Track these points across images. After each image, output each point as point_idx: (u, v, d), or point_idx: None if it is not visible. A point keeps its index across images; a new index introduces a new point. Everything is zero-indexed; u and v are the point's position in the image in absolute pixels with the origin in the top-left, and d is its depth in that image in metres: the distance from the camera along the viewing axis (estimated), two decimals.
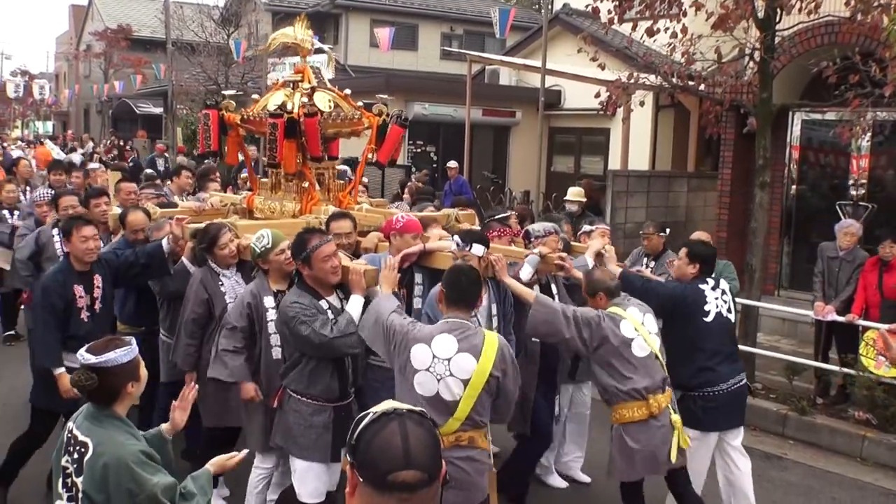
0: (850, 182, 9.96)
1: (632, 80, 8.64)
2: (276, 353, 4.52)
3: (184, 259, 5.27)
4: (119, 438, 2.90)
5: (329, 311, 4.21)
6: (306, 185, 5.78)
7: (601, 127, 15.12)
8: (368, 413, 1.73)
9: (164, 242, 5.20)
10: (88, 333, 4.54)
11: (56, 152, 21.71)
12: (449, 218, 5.94)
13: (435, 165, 17.35)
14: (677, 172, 13.39)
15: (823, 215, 9.90)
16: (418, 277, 4.95)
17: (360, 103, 6.05)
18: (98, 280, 5.05)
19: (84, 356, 2.94)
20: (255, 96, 6.14)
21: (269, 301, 4.56)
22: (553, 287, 5.31)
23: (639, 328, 4.47)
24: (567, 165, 16.88)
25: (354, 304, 4.22)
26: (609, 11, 8.49)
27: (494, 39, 20.30)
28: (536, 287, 4.95)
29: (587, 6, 9.01)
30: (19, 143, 25.82)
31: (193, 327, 4.98)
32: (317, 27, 26.37)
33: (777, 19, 7.97)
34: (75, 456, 2.90)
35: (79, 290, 4.93)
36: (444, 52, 25.42)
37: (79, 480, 2.87)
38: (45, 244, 6.64)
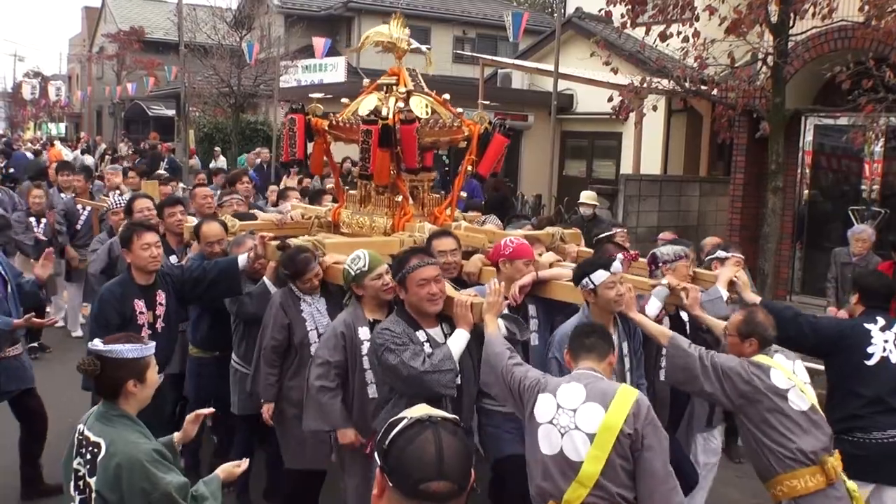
0: (863, 187, 9.93)
1: (644, 85, 8.65)
2: (372, 391, 4.00)
3: (266, 280, 4.80)
4: (131, 437, 2.91)
5: (427, 344, 3.71)
6: (399, 198, 5.26)
7: (613, 131, 15.11)
8: (403, 418, 1.72)
9: (242, 259, 4.76)
10: None
11: (66, 154, 21.87)
12: (553, 238, 5.36)
13: (447, 169, 17.38)
14: (689, 177, 13.37)
15: (836, 220, 9.88)
16: (531, 310, 4.32)
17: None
18: (161, 296, 4.59)
19: (95, 342, 2.98)
20: (344, 100, 5.62)
21: (363, 332, 4.02)
22: (684, 316, 4.52)
23: (791, 377, 3.68)
24: (579, 169, 16.87)
25: (457, 340, 3.70)
26: (622, 15, 8.51)
27: (507, 43, 20.35)
28: (666, 320, 4.34)
29: (600, 10, 9.03)
30: (28, 144, 25.95)
31: (273, 356, 4.51)
32: (329, 30, 26.59)
33: (791, 24, 7.97)
34: (88, 457, 2.89)
35: (139, 305, 4.48)
36: (456, 55, 25.46)
37: (92, 481, 2.87)
38: (120, 256, 5.79)
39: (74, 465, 2.95)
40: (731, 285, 4.50)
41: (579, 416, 3.09)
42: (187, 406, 5.28)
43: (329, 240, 4.94)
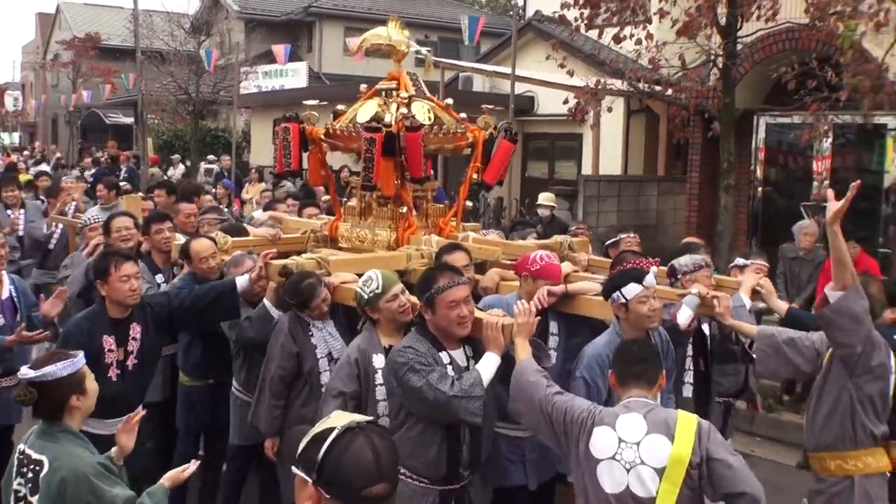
0: (814, 183, 10.21)
1: (600, 86, 8.82)
2: (386, 422, 3.67)
3: (266, 302, 4.40)
4: (76, 452, 2.89)
5: (449, 367, 3.46)
6: (404, 209, 4.96)
7: (574, 132, 15.27)
8: (331, 429, 1.73)
9: (241, 281, 4.38)
10: (117, 396, 3.89)
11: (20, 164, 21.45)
12: (562, 246, 5.14)
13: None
14: (647, 177, 13.60)
15: (789, 216, 10.13)
16: (553, 326, 4.11)
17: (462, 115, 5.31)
18: (135, 329, 4.14)
19: (24, 371, 2.95)
20: (340, 106, 5.32)
21: (378, 360, 3.71)
22: (705, 328, 4.40)
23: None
24: (541, 171, 17.02)
25: (488, 364, 3.43)
26: (576, 19, 8.68)
27: (468, 46, 20.51)
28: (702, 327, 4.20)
29: (554, 13, 9.19)
30: None
31: (280, 386, 4.17)
32: (290, 35, 26.50)
33: (738, 26, 8.19)
34: (29, 475, 2.85)
35: (108, 341, 4.05)
36: (417, 59, 25.52)
37: (34, 500, 2.82)
38: None
39: (15, 485, 2.90)
40: (755, 293, 4.43)
41: (644, 450, 2.88)
42: (179, 438, 5.02)
43: (333, 257, 4.58)
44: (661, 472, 2.85)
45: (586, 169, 13.91)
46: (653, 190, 12.88)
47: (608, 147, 13.30)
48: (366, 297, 3.77)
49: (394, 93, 5.02)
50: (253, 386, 4.42)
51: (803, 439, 3.98)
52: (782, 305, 4.48)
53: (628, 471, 2.88)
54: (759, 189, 10.83)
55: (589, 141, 13.71)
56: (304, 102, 5.43)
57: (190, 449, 4.96)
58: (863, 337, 3.52)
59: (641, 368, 3.08)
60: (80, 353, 3.05)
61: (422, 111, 4.92)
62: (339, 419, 1.76)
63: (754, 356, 3.98)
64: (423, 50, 5.77)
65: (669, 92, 8.79)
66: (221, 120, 24.08)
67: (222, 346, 4.74)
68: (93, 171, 17.88)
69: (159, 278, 5.30)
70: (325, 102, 5.92)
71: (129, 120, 28.81)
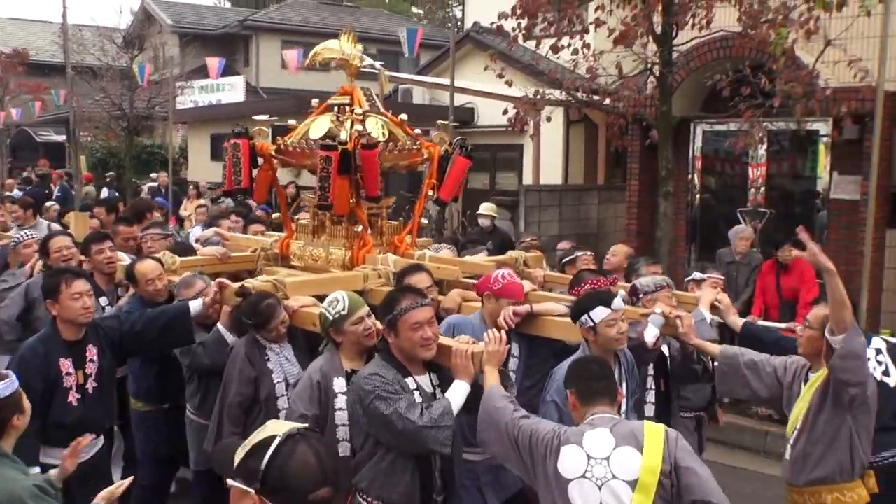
0: (750, 190, 10.38)
1: (538, 97, 8.82)
2: (343, 449, 3.59)
3: (220, 326, 4.29)
4: (10, 474, 2.83)
5: (416, 393, 3.34)
6: (359, 228, 4.90)
7: (515, 143, 15.34)
8: (272, 437, 1.76)
9: (195, 305, 4.23)
10: (79, 421, 3.79)
11: None
12: (517, 262, 5.09)
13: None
14: (588, 185, 13.70)
15: (727, 222, 10.28)
16: (514, 349, 4.05)
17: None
18: (92, 352, 3.98)
19: None
20: (291, 122, 5.21)
21: (339, 384, 3.60)
22: (664, 349, 4.41)
23: None
24: (482, 182, 17.03)
25: (457, 393, 3.32)
26: (513, 29, 8.67)
27: (408, 58, 20.49)
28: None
29: (491, 23, 9.18)
30: None
31: (238, 412, 4.08)
32: (227, 49, 26.14)
33: (674, 35, 8.28)
34: None
35: (66, 364, 3.86)
36: (362, 71, 25.38)
37: None
38: (38, 300, 4.93)
39: None
40: (713, 308, 4.47)
41: (614, 464, 2.83)
42: (139, 466, 4.85)
43: (290, 279, 4.45)
44: (633, 484, 2.80)
45: (527, 179, 13.96)
46: (593, 198, 12.97)
47: (549, 157, 13.36)
48: (331, 318, 3.65)
49: (347, 108, 4.93)
50: (208, 411, 4.31)
51: (785, 475, 3.86)
52: (738, 321, 4.48)
53: (600, 487, 2.82)
54: (698, 196, 10.97)
55: (530, 151, 13.77)
56: (255, 118, 5.33)
57: (153, 477, 4.81)
58: (867, 372, 3.51)
59: (604, 385, 3.05)
60: (12, 375, 2.99)
61: (375, 127, 4.84)
62: (277, 428, 1.79)
63: (715, 374, 4.00)
64: (377, 64, 5.70)
65: (607, 101, 8.83)
66: (158, 136, 23.60)
67: (175, 370, 4.59)
68: (16, 192, 17.20)
69: (103, 301, 5.08)
70: (272, 116, 5.77)
71: (62, 137, 28.03)
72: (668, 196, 8.36)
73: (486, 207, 9.49)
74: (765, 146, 9.79)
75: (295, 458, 1.71)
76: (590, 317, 3.61)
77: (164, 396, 4.75)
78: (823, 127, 9.46)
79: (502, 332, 3.49)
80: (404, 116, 5.17)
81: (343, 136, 4.63)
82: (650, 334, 3.89)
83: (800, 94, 7.44)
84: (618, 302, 3.66)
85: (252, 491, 1.71)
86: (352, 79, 5.11)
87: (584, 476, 2.84)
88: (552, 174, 13.86)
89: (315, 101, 5.20)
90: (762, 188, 10.26)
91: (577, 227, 12.13)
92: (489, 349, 3.34)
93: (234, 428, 4.07)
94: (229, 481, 1.78)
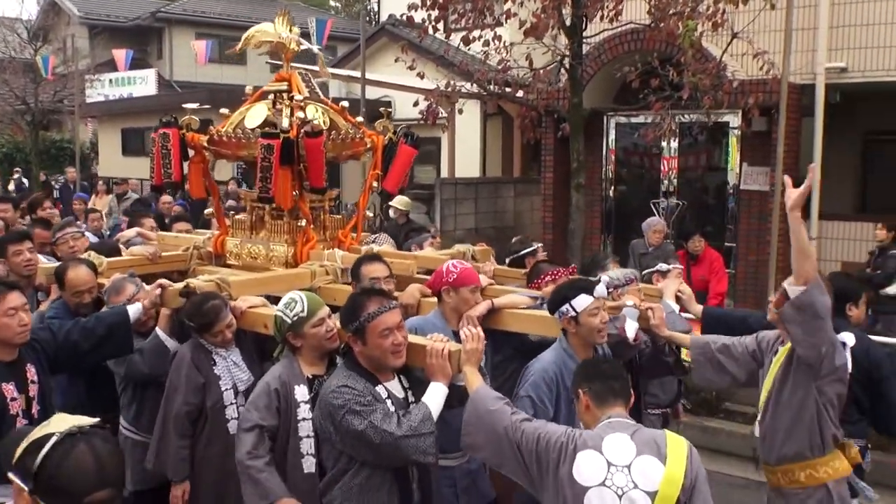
0: (663, 181, 10.49)
1: (450, 89, 8.69)
2: (309, 464, 3.29)
3: (158, 331, 3.95)
4: None
5: (389, 402, 3.07)
6: (302, 222, 4.60)
7: (432, 136, 15.21)
8: (49, 435, 1.70)
9: (133, 310, 3.85)
10: None
11: None
12: (465, 256, 4.83)
13: None
14: (504, 178, 13.67)
15: (641, 214, 10.35)
16: None
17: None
18: (31, 371, 3.50)
19: None
20: (224, 111, 4.88)
21: (300, 392, 3.31)
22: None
23: None
24: None
25: (435, 396, 3.07)
26: (423, 20, 8.51)
27: (325, 51, 20.18)
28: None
29: (402, 15, 9.00)
30: None
31: (186, 422, 3.73)
32: (139, 42, 25.25)
33: (583, 27, 8.25)
34: None
35: (9, 389, 3.38)
36: (272, 65, 24.90)
37: None
38: None
39: None
40: (676, 298, 4.43)
41: (636, 473, 2.64)
42: None
43: (234, 277, 4.13)
44: (653, 495, 2.62)
45: (445, 172, 13.86)
46: (509, 191, 12.94)
47: (466, 150, 13.28)
48: (289, 321, 3.34)
49: (284, 95, 4.65)
50: (145, 424, 3.99)
51: (760, 454, 3.80)
52: (698, 309, 4.45)
53: (620, 497, 2.62)
54: (612, 188, 11.03)
55: (447, 145, 13.67)
56: (185, 106, 5.00)
57: None
58: (826, 336, 3.34)
59: (620, 385, 2.87)
60: None
61: (317, 115, 4.55)
62: (59, 424, 1.73)
63: (690, 366, 3.90)
64: (315, 48, 5.37)
65: (520, 93, 8.76)
66: (66, 131, 22.69)
67: (106, 380, 4.17)
68: None
69: None
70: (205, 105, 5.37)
71: None
72: (581, 188, 8.34)
73: (398, 201, 9.30)
74: (677, 139, 9.87)
75: (71, 458, 1.65)
76: (571, 306, 3.41)
77: (95, 411, 4.32)
78: (733, 119, 9.61)
79: (479, 328, 3.27)
80: (345, 104, 4.92)
81: (285, 123, 4.35)
82: (631, 328, 3.71)
83: (707, 86, 7.51)
84: (601, 289, 3.46)
85: (26, 490, 1.65)
86: (287, 63, 4.82)
87: (603, 484, 2.65)
88: (470, 167, 13.79)
89: (249, 89, 4.92)
90: (675, 180, 10.36)
91: (493, 220, 12.07)
92: (467, 347, 3.13)
93: (181, 441, 3.75)
94: (9, 474, 1.71)
